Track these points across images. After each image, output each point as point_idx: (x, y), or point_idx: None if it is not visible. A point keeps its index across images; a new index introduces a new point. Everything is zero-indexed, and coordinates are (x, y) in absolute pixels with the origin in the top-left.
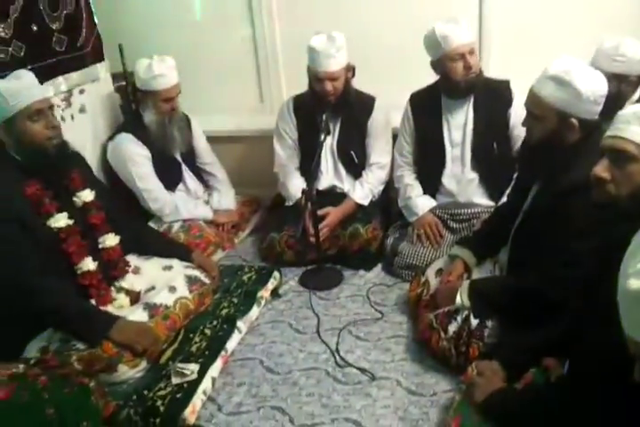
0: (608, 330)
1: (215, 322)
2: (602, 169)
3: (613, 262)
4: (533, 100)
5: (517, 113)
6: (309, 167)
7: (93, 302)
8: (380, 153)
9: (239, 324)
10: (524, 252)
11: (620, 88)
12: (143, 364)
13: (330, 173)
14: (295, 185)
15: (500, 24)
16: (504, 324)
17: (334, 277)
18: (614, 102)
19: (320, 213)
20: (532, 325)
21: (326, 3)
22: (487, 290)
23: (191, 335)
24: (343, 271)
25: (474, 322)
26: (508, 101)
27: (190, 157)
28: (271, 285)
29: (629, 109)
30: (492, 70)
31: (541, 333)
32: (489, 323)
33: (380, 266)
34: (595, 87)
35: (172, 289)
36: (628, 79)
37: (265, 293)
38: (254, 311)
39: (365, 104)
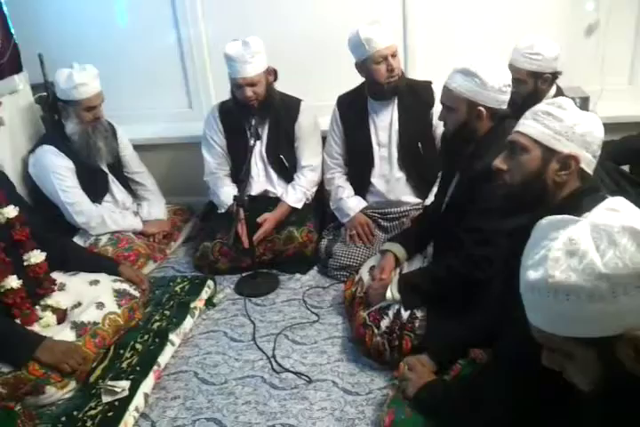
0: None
1: (147, 336)
2: (500, 160)
3: (519, 252)
4: (445, 93)
5: (438, 112)
6: (240, 173)
7: (18, 321)
8: (310, 155)
9: (172, 337)
10: (447, 240)
11: (537, 85)
12: (72, 384)
13: (261, 179)
14: (226, 192)
15: (423, 26)
16: (433, 313)
17: (270, 283)
18: (532, 99)
19: (259, 220)
20: (460, 313)
21: (252, 7)
22: (415, 281)
23: (122, 351)
24: (279, 276)
25: (405, 315)
26: (430, 102)
27: (117, 167)
28: (205, 294)
29: (534, 107)
30: (418, 72)
31: (468, 323)
32: (419, 313)
33: (315, 269)
34: (499, 77)
35: (100, 305)
36: (543, 76)
37: (199, 303)
38: (188, 323)
39: (291, 107)
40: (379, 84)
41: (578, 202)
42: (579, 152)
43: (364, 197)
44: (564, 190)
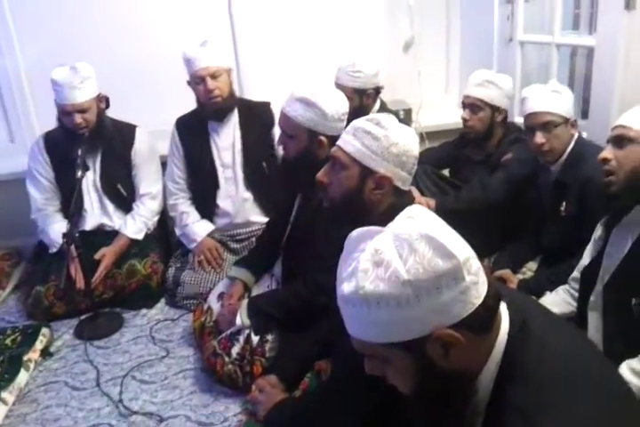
0: None
1: None
2: (322, 174)
3: None
4: (285, 121)
5: (278, 132)
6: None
7: None
8: (149, 183)
9: (4, 395)
10: (294, 262)
11: (362, 101)
12: None
13: (96, 211)
14: (57, 229)
15: (252, 48)
16: (283, 336)
17: (113, 323)
18: (358, 115)
19: (96, 256)
20: (307, 329)
21: (76, 32)
22: (264, 305)
23: None
24: (123, 314)
25: (255, 339)
26: (270, 122)
27: None
28: (40, 344)
29: (355, 121)
30: (252, 92)
31: (312, 337)
32: (269, 337)
33: (163, 301)
34: (337, 106)
35: None
36: (367, 92)
37: (33, 354)
38: (22, 377)
39: (126, 134)
40: (200, 103)
41: (393, 217)
42: (393, 171)
43: (212, 220)
44: (380, 207)
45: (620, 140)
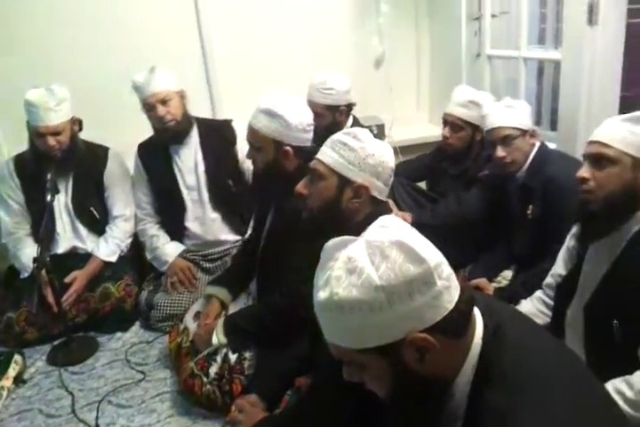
0: None
1: None
2: (301, 186)
3: None
4: (251, 133)
5: (243, 148)
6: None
7: None
8: (122, 205)
9: None
10: (269, 276)
11: (335, 117)
12: None
13: (68, 234)
14: (28, 253)
15: (223, 68)
16: (261, 353)
17: (87, 347)
18: (331, 131)
19: (66, 280)
20: (286, 345)
21: (40, 53)
22: (240, 321)
23: None
24: (97, 338)
25: (232, 358)
26: (232, 139)
27: None
28: (13, 371)
29: (333, 135)
30: (225, 112)
31: (292, 353)
32: (247, 354)
33: (137, 324)
34: (301, 117)
35: None
36: (339, 109)
37: (6, 382)
38: None
39: (98, 155)
40: (156, 129)
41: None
42: (370, 181)
43: (182, 242)
44: (358, 216)
45: (598, 160)
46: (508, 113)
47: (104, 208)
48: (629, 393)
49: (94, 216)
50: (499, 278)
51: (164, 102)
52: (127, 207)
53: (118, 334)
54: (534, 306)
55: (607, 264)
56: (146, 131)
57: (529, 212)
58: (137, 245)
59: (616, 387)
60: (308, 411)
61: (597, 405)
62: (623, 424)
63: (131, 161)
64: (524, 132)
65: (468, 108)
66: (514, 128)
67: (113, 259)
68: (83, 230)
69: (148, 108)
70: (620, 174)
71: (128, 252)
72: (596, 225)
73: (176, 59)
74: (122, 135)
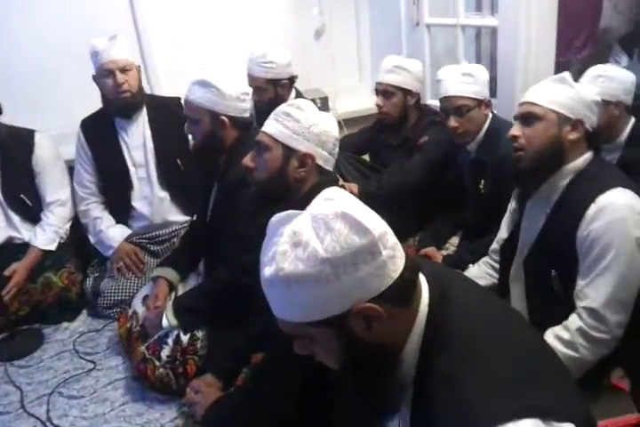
0: None
1: None
2: (248, 159)
3: None
4: (187, 106)
5: None
6: None
7: None
8: (56, 189)
9: None
10: (217, 252)
11: (277, 91)
12: None
13: (1, 224)
14: None
15: (159, 44)
16: (214, 332)
17: (33, 339)
18: (274, 105)
19: (6, 273)
20: (239, 323)
21: None
22: (188, 299)
23: None
24: (42, 330)
25: (184, 339)
26: (181, 118)
27: None
28: None
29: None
30: (163, 89)
31: (246, 330)
32: (199, 334)
33: (85, 312)
34: (235, 85)
35: None
36: (281, 82)
37: None
38: None
39: (23, 140)
40: (108, 99)
41: (317, 195)
42: (315, 150)
43: (127, 224)
44: (305, 186)
45: (527, 118)
46: (464, 81)
47: (36, 195)
48: (567, 335)
49: (26, 204)
50: (447, 245)
51: (123, 71)
52: (61, 191)
53: (65, 325)
54: (481, 269)
55: (543, 218)
56: (81, 112)
57: (481, 186)
58: (77, 229)
59: (555, 333)
60: (263, 386)
61: (541, 362)
62: (567, 380)
63: (66, 144)
64: (479, 103)
65: (395, 73)
66: (469, 98)
67: (52, 247)
68: (16, 219)
69: (106, 74)
70: (547, 128)
71: (68, 238)
72: (529, 180)
73: (108, 34)
74: (53, 116)
